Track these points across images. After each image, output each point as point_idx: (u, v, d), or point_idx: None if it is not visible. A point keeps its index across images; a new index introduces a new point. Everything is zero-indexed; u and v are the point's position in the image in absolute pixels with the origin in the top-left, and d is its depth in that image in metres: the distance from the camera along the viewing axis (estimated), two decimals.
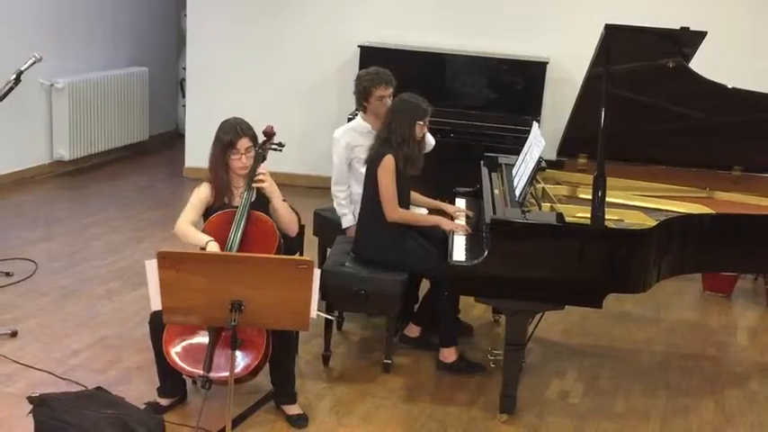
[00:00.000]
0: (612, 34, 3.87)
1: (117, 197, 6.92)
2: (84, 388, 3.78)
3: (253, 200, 3.84)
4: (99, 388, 2.96)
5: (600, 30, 3.92)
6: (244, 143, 3.83)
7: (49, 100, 7.21)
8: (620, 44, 3.91)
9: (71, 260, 5.51)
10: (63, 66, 7.22)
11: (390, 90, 4.63)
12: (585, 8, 6.66)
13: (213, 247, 3.70)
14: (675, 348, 4.87)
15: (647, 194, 4.42)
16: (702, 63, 4.21)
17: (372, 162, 4.29)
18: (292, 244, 4.11)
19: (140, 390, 3.91)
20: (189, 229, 3.83)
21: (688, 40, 4.03)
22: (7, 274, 5.12)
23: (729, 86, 4.25)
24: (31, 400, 2.49)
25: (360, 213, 4.48)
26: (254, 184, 3.84)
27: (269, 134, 4.02)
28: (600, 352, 4.76)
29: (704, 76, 4.20)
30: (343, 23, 7.16)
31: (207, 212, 3.91)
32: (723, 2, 6.56)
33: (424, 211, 4.67)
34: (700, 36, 3.99)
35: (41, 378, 3.97)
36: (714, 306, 5.49)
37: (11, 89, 4.36)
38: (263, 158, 3.98)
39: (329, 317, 4.26)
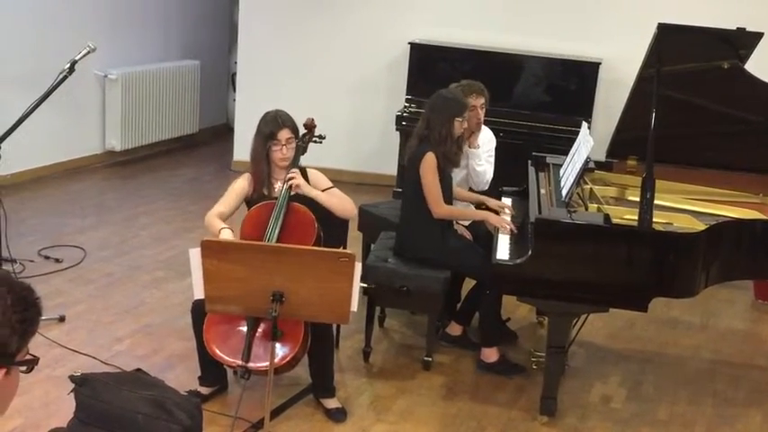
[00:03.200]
0: (665, 34, 3.80)
1: (166, 188, 7.01)
2: None
3: (293, 192, 3.84)
4: (139, 370, 3.01)
5: (653, 30, 3.85)
6: (284, 134, 3.84)
7: (102, 91, 7.33)
8: (672, 44, 3.83)
9: (119, 249, 5.60)
10: (117, 57, 7.34)
11: (482, 100, 4.61)
12: (640, 8, 6.55)
13: (226, 234, 3.71)
14: (724, 357, 4.77)
15: (698, 198, 4.33)
16: (759, 65, 4.11)
17: (413, 160, 4.26)
18: (338, 237, 4.11)
19: (182, 378, 3.95)
20: (213, 220, 3.85)
21: (744, 40, 3.94)
22: (57, 261, 5.22)
23: None
24: (72, 379, 2.55)
25: (401, 211, 4.46)
26: (289, 181, 3.81)
27: (310, 127, 4.04)
28: (645, 357, 4.69)
29: (760, 78, 4.10)
30: (394, 20, 7.16)
31: (248, 204, 3.94)
32: None
33: (470, 206, 4.64)
34: (756, 37, 3.89)
35: (87, 363, 4.03)
36: (765, 315, 5.36)
37: (64, 78, 4.43)
38: (304, 151, 3.99)
39: (365, 285, 4.15)
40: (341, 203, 3.93)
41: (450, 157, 4.24)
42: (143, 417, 2.42)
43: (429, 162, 4.16)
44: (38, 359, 1.44)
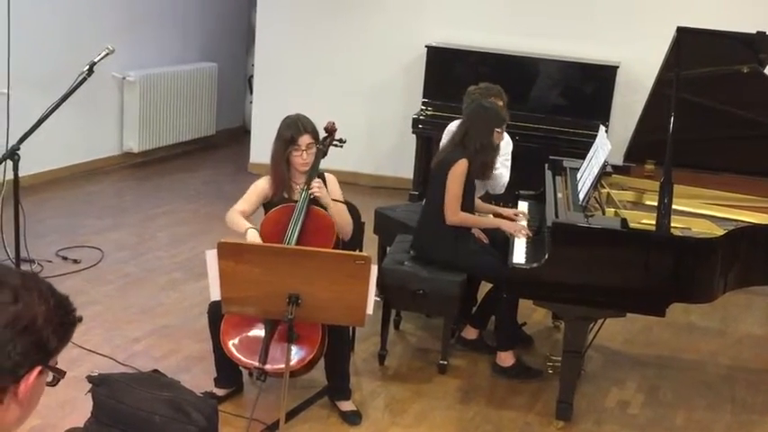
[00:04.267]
0: (685, 37, 3.78)
1: (183, 190, 7.03)
2: None
3: (312, 196, 3.84)
4: (156, 371, 3.03)
5: (672, 33, 3.84)
6: (305, 139, 3.84)
7: (120, 93, 7.37)
8: (692, 48, 3.82)
9: (136, 250, 5.62)
10: (135, 59, 7.37)
11: (501, 104, 4.61)
12: (658, 11, 6.53)
13: (252, 235, 3.72)
14: (742, 362, 4.73)
15: (716, 203, 4.30)
16: None
17: (444, 164, 4.26)
18: (353, 241, 4.11)
19: (198, 379, 3.96)
20: (235, 217, 3.86)
21: (764, 45, 3.91)
22: (75, 261, 5.25)
23: None
24: (90, 379, 2.57)
25: (422, 212, 4.46)
26: (310, 192, 3.82)
27: (330, 130, 4.03)
28: (662, 363, 4.66)
29: None
30: (411, 23, 7.16)
31: (267, 206, 3.94)
32: None
33: (486, 215, 4.62)
34: None
35: (104, 363, 4.04)
36: None
37: (83, 80, 4.45)
38: (324, 154, 3.99)
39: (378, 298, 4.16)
40: (342, 225, 3.91)
41: (489, 166, 4.27)
42: (160, 418, 2.43)
43: (460, 168, 4.18)
44: (65, 372, 1.47)
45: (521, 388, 4.19)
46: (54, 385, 1.48)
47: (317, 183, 3.83)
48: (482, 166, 4.25)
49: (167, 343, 4.38)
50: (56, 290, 1.48)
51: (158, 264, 5.42)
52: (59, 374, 1.46)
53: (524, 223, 4.36)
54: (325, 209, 3.84)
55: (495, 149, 4.30)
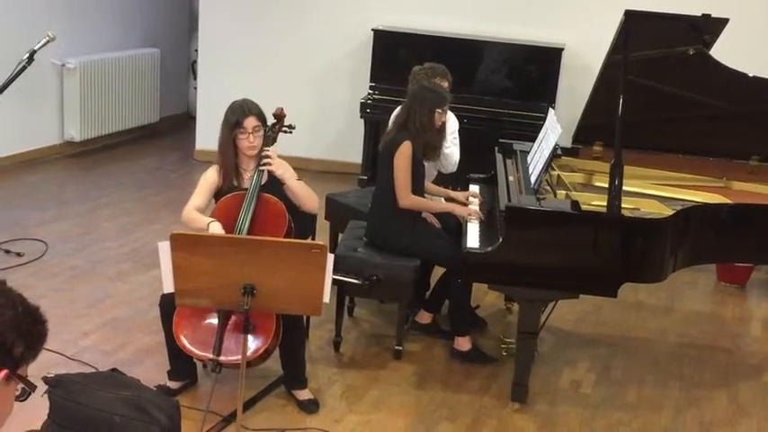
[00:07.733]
0: (632, 21, 3.82)
1: (127, 179, 6.90)
2: (94, 369, 3.78)
3: (263, 182, 3.79)
4: (114, 369, 2.96)
5: (618, 16, 3.87)
6: (251, 122, 3.79)
7: (60, 80, 7.18)
8: (639, 31, 3.85)
9: (82, 241, 5.50)
10: (75, 46, 7.19)
11: (446, 84, 4.59)
12: None
13: (215, 228, 3.65)
14: (689, 339, 4.84)
15: (664, 183, 4.37)
16: (724, 51, 4.15)
17: (389, 147, 4.24)
18: (305, 227, 4.08)
19: (150, 372, 3.90)
20: (193, 214, 3.79)
21: (709, 27, 3.97)
22: (18, 255, 5.11)
23: (750, 75, 4.19)
24: (46, 380, 2.48)
25: (373, 198, 4.44)
26: (261, 167, 3.79)
27: (279, 116, 3.98)
28: (612, 342, 4.73)
29: (725, 64, 4.15)
30: (357, 7, 7.10)
31: (217, 195, 3.88)
32: None
33: (439, 199, 4.63)
34: (721, 23, 3.93)
35: (52, 359, 3.93)
36: (728, 297, 5.44)
37: (24, 68, 4.34)
38: (274, 141, 3.94)
39: (350, 279, 4.16)
40: (308, 195, 3.90)
41: (433, 147, 4.25)
42: (120, 418, 2.38)
43: (404, 151, 4.16)
44: (35, 386, 1.43)
45: (476, 371, 4.22)
46: (23, 400, 1.43)
47: (268, 151, 3.78)
48: (425, 147, 4.24)
49: (118, 336, 4.30)
50: (26, 300, 1.44)
51: (105, 255, 5.31)
52: (30, 387, 1.42)
53: (477, 207, 4.36)
54: (280, 188, 3.77)
55: (437, 131, 4.28)
